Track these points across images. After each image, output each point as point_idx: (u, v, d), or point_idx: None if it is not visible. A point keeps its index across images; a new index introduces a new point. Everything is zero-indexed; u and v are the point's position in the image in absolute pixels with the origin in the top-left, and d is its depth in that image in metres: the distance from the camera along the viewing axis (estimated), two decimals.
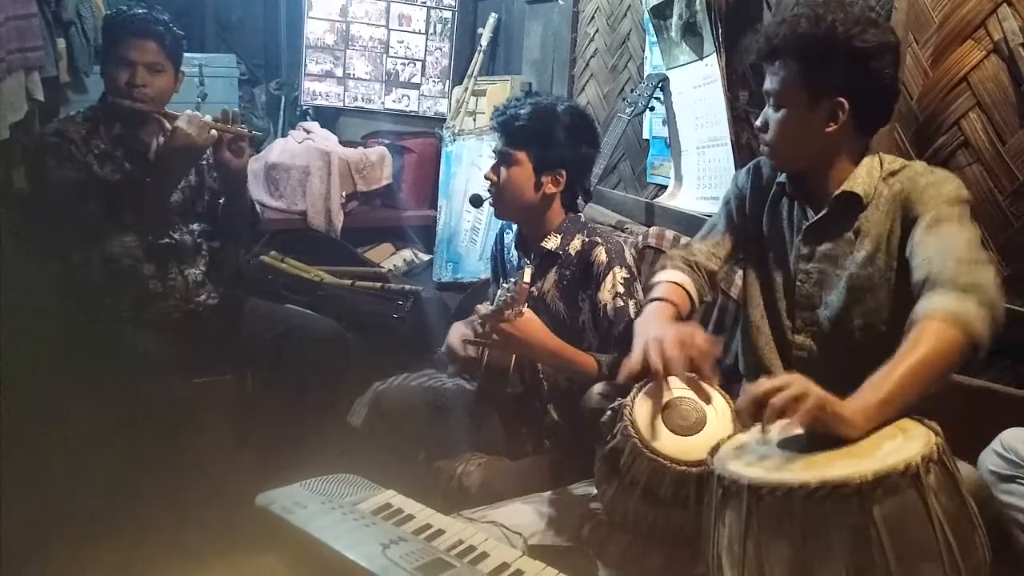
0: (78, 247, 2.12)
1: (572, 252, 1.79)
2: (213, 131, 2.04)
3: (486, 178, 1.84)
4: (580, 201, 1.87)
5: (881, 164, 1.46)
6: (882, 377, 1.14)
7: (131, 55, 2.03)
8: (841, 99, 1.39)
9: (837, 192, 1.45)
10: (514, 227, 1.94)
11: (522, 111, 1.77)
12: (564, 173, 1.78)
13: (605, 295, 1.72)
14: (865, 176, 1.44)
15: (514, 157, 1.77)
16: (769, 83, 1.45)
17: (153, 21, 2.07)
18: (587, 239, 1.79)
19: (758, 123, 1.50)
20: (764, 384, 1.11)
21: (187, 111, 2.05)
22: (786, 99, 1.43)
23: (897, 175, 1.43)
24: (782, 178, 1.55)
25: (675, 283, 1.55)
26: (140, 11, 2.08)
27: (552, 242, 1.81)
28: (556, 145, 1.76)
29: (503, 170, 1.80)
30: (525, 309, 1.62)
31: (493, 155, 1.85)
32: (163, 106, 2.09)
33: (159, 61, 2.07)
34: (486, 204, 1.89)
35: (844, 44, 1.37)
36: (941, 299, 1.19)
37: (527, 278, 1.62)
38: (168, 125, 2.03)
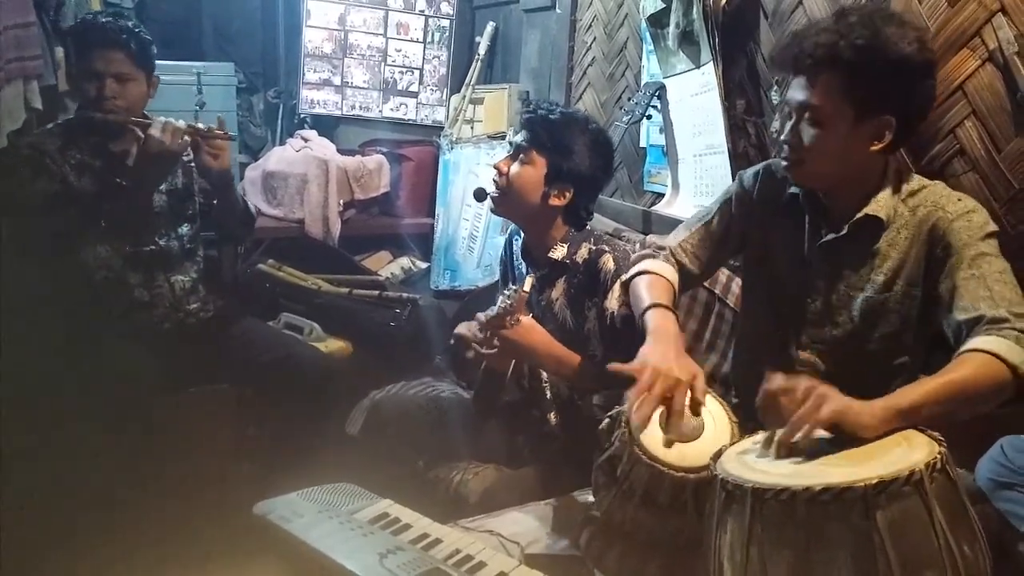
0: (59, 259, 2.10)
1: (579, 261, 1.78)
2: (191, 134, 2.02)
3: (495, 167, 1.80)
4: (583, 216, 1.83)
5: (900, 182, 1.42)
6: (913, 386, 1.15)
7: (98, 66, 2.00)
8: (890, 117, 1.33)
9: (859, 216, 1.40)
10: (522, 235, 1.93)
11: (553, 115, 1.75)
12: (572, 190, 1.75)
13: (612, 303, 1.71)
14: (887, 198, 1.40)
15: (531, 155, 1.75)
16: (804, 95, 1.35)
17: (117, 30, 2.03)
18: (594, 247, 1.78)
19: (783, 137, 1.40)
20: (782, 386, 1.13)
21: (160, 118, 2.02)
22: (829, 115, 1.33)
23: (918, 196, 1.40)
24: (795, 189, 1.50)
25: (667, 281, 1.50)
26: (103, 19, 2.05)
27: (559, 252, 1.79)
28: (574, 159, 1.74)
29: (516, 165, 1.77)
30: (524, 317, 1.62)
31: (509, 146, 1.82)
32: (138, 113, 2.07)
33: (128, 71, 2.04)
34: (489, 200, 1.86)
35: (901, 60, 1.29)
36: (996, 341, 1.18)
37: (527, 287, 1.62)
38: (140, 133, 2.00)
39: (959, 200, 1.38)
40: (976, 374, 1.16)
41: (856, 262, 1.43)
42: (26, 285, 2.21)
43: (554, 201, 1.76)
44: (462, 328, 1.86)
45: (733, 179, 2.20)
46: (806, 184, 1.46)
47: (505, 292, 1.62)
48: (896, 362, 1.44)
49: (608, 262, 1.73)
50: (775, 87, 2.18)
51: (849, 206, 1.42)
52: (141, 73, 2.08)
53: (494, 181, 1.81)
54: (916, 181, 1.44)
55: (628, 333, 1.70)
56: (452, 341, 1.88)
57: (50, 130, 2.10)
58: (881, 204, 1.39)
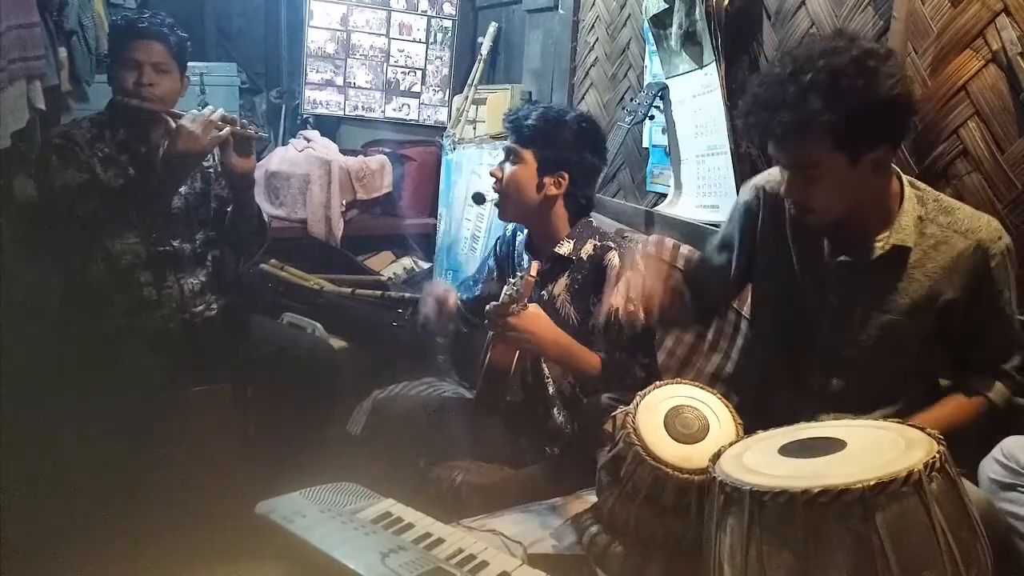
0: (80, 250, 2.13)
1: (584, 257, 1.81)
2: (218, 131, 2.03)
3: (491, 175, 1.85)
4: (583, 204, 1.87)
5: (920, 201, 1.41)
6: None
7: (138, 56, 2.06)
8: (885, 147, 1.32)
9: (886, 246, 1.39)
10: (526, 231, 1.94)
11: (533, 113, 1.81)
12: (566, 176, 1.80)
13: (618, 300, 1.71)
14: (910, 222, 1.38)
15: (520, 155, 1.80)
16: (793, 159, 1.32)
17: (159, 23, 2.11)
18: (599, 243, 1.81)
19: (785, 194, 1.38)
20: None
21: (192, 111, 2.05)
22: (824, 171, 1.31)
23: (947, 217, 1.39)
24: None
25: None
26: (145, 14, 2.12)
27: (565, 247, 1.82)
28: (560, 147, 1.79)
29: (507, 167, 1.82)
30: (531, 305, 1.64)
31: (502, 154, 1.87)
32: (170, 108, 2.11)
33: (165, 62, 2.10)
34: (489, 204, 1.90)
35: (878, 100, 1.26)
36: (996, 387, 1.44)
37: (533, 272, 1.65)
38: (173, 124, 2.02)
39: (999, 237, 1.38)
40: (967, 417, 1.42)
41: (877, 284, 1.42)
42: (30, 282, 2.22)
43: (551, 190, 1.80)
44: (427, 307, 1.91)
45: (735, 179, 2.22)
46: (824, 227, 1.43)
47: (511, 280, 1.62)
48: (910, 378, 1.46)
49: (614, 258, 1.76)
50: None
51: (867, 227, 1.41)
52: (176, 67, 2.13)
53: (492, 188, 1.85)
54: (942, 200, 1.43)
55: (632, 330, 1.70)
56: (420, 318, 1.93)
57: (81, 122, 2.14)
58: (906, 231, 1.38)
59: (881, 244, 1.40)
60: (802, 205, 1.38)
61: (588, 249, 1.81)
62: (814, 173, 1.32)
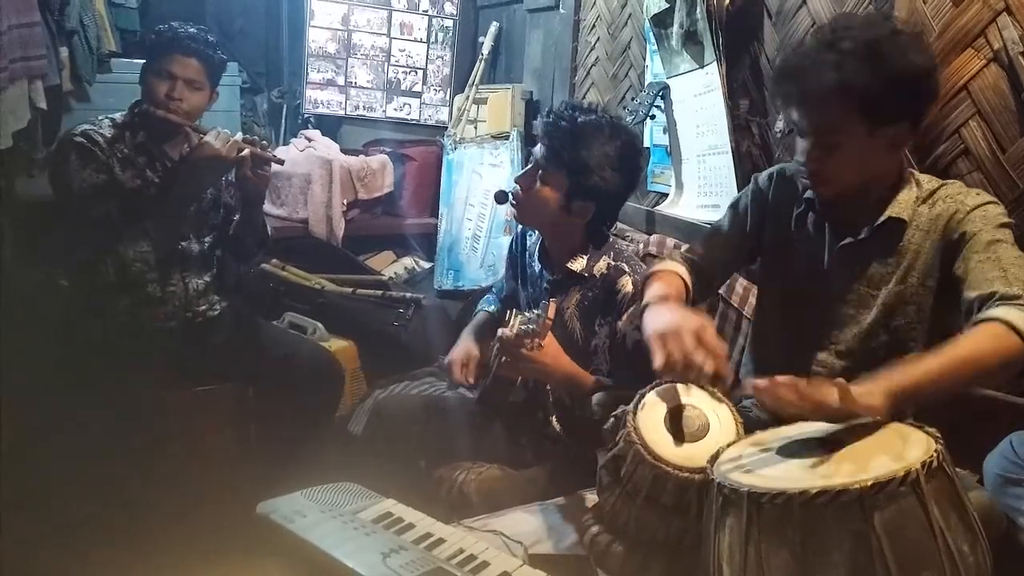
0: (88, 251, 2.14)
1: (596, 274, 1.75)
2: (241, 150, 2.08)
3: (516, 181, 1.78)
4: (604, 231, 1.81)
5: (918, 184, 1.43)
6: (916, 364, 1.16)
7: (174, 69, 2.09)
8: (903, 123, 1.35)
9: (882, 220, 1.41)
10: (538, 234, 1.90)
11: (575, 126, 1.67)
12: (593, 207, 1.71)
13: (626, 325, 1.69)
14: (907, 199, 1.41)
15: (550, 174, 1.70)
16: (813, 125, 1.35)
17: (202, 42, 2.13)
18: (613, 263, 1.75)
19: (803, 162, 1.38)
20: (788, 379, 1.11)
21: (216, 127, 2.10)
22: (842, 139, 1.34)
23: (936, 195, 1.42)
24: (811, 194, 1.50)
25: (675, 274, 1.53)
26: (191, 30, 2.14)
27: (578, 264, 1.76)
28: (595, 177, 1.67)
29: (537, 183, 1.73)
30: (546, 340, 1.58)
31: (532, 156, 1.78)
32: (194, 121, 2.15)
33: (199, 80, 2.13)
34: (509, 204, 1.83)
35: (905, 71, 1.30)
36: (1006, 310, 1.19)
37: (551, 314, 1.55)
38: (195, 138, 2.08)
39: (977, 194, 1.40)
40: (985, 347, 1.16)
41: (876, 263, 1.43)
42: (31, 280, 2.23)
43: (575, 217, 1.73)
44: (456, 356, 1.91)
45: (736, 179, 2.22)
46: (834, 200, 1.45)
47: (527, 315, 1.58)
48: (908, 353, 1.45)
49: (627, 284, 1.70)
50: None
51: (868, 208, 1.43)
52: (208, 85, 2.17)
53: (513, 193, 1.79)
54: (934, 181, 1.44)
55: (638, 355, 1.69)
56: (444, 361, 1.91)
57: (103, 121, 2.15)
58: (903, 205, 1.41)
59: (880, 222, 1.41)
60: (818, 174, 1.39)
61: (601, 267, 1.75)
62: (833, 140, 1.35)
